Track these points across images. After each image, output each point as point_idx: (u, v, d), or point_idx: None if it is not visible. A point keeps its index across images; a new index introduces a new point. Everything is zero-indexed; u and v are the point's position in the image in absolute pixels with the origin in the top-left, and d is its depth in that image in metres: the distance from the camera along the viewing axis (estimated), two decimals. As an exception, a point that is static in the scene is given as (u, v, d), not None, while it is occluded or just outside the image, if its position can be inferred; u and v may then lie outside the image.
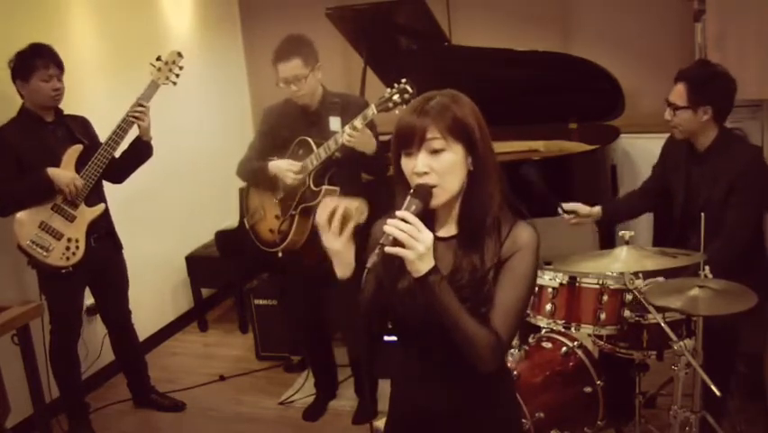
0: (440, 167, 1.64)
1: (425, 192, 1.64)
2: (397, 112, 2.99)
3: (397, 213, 1.58)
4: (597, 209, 3.27)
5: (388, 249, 1.56)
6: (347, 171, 3.34)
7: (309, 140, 3.31)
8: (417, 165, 1.64)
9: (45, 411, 3.13)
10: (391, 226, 1.56)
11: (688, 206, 3.08)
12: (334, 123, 3.35)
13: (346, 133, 3.10)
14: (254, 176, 3.53)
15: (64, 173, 3.37)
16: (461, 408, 1.77)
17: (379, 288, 1.74)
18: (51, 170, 3.35)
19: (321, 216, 1.66)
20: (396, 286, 1.71)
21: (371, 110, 3.07)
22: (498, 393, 1.82)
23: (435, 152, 1.63)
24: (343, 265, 1.69)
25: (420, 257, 1.56)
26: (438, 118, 1.63)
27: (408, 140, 1.64)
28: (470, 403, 1.77)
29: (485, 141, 1.68)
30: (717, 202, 2.91)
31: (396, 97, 3.00)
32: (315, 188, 3.31)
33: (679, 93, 2.95)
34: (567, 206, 3.23)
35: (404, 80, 3.01)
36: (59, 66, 3.41)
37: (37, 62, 3.34)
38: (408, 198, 1.63)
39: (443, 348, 1.70)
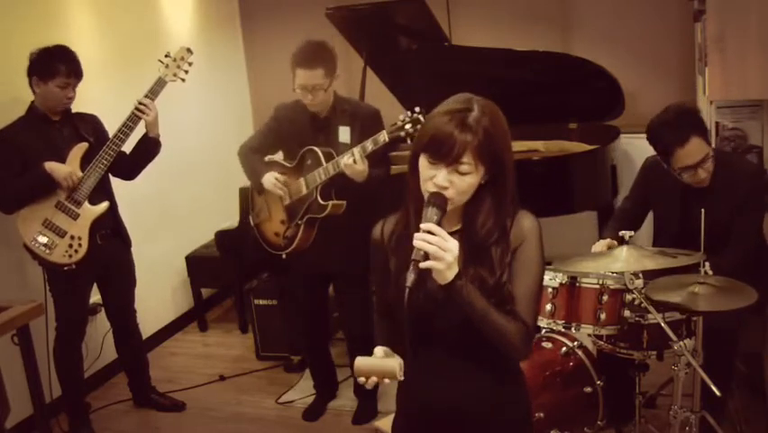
0: (461, 186, 1.64)
1: (441, 200, 1.64)
2: (409, 141, 2.97)
3: (422, 225, 1.59)
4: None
5: (422, 264, 1.57)
6: (354, 183, 3.32)
7: (317, 150, 3.28)
8: (438, 178, 1.63)
9: (45, 411, 3.12)
10: (420, 240, 1.57)
11: (685, 229, 3.03)
12: (344, 133, 3.33)
13: (345, 160, 3.10)
14: (250, 173, 3.51)
15: (61, 166, 3.35)
16: (470, 405, 1.77)
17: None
18: (49, 164, 3.34)
19: (363, 378, 1.69)
20: (400, 282, 1.69)
21: (383, 136, 3.06)
22: (507, 391, 1.82)
23: (461, 172, 1.63)
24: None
25: (449, 266, 1.57)
26: (475, 141, 1.61)
27: (441, 152, 1.62)
28: (481, 400, 1.77)
29: (510, 162, 1.70)
30: (724, 222, 2.89)
31: (408, 127, 2.98)
32: (322, 202, 3.29)
33: (699, 145, 2.84)
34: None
35: (417, 109, 2.98)
36: (79, 76, 3.40)
37: (61, 68, 3.32)
38: (429, 208, 1.62)
39: (451, 344, 1.72)
